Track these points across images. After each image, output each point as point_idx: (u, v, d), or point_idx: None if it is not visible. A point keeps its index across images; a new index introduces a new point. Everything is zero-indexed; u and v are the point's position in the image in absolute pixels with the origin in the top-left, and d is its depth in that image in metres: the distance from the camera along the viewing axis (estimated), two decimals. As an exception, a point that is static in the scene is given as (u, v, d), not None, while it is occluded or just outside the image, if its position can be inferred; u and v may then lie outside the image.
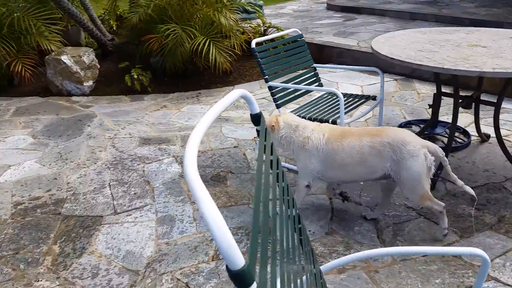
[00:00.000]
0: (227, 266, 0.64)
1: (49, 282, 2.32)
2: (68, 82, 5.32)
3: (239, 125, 4.22)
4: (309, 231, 2.61)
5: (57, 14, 5.93)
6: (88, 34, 6.27)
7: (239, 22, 6.04)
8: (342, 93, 3.17)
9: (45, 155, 3.76)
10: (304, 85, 3.58)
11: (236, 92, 1.00)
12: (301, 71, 3.68)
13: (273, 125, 2.56)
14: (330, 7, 9.67)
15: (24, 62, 5.27)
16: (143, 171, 3.41)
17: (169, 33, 5.11)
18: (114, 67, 5.98)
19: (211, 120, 0.87)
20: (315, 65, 3.75)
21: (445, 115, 4.02)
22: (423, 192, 2.37)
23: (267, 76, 3.34)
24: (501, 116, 3.34)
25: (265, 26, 6.48)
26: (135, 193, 3.11)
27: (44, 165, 3.57)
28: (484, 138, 3.60)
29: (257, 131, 1.09)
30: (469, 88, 3.51)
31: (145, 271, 2.36)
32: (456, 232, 2.55)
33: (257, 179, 0.87)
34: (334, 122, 2.99)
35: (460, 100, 3.15)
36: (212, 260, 2.42)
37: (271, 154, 1.11)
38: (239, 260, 0.64)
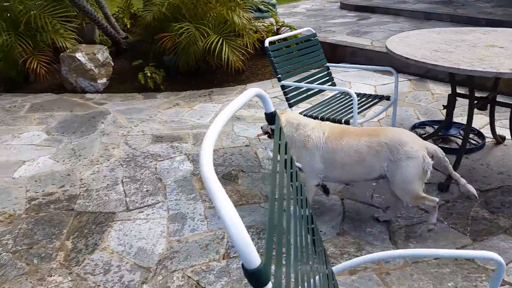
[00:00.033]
0: (242, 265, 0.63)
1: (61, 277, 2.34)
2: (82, 79, 5.37)
3: (251, 124, 4.21)
4: (321, 231, 2.60)
5: (72, 12, 6.00)
6: (102, 32, 6.33)
7: (252, 21, 6.04)
8: (355, 92, 3.14)
9: (59, 151, 3.80)
10: (317, 84, 3.56)
11: (251, 91, 1.00)
12: (314, 70, 3.66)
13: None
14: (343, 6, 9.61)
15: (39, 59, 5.34)
16: (155, 168, 3.43)
17: (183, 32, 5.13)
18: (127, 65, 6.03)
19: (227, 118, 0.87)
20: (328, 64, 3.74)
21: (459, 116, 3.96)
22: (414, 194, 2.36)
23: (280, 75, 3.34)
24: (517, 118, 3.29)
25: (278, 25, 6.46)
26: (147, 190, 3.13)
27: (58, 161, 3.61)
28: (499, 140, 3.55)
29: (272, 130, 1.09)
30: (484, 89, 3.46)
31: (156, 268, 2.37)
32: (469, 235, 2.52)
33: (272, 178, 0.87)
34: (347, 122, 2.97)
35: (476, 101, 3.10)
36: (223, 258, 2.42)
37: (285, 153, 1.11)
38: (255, 259, 0.63)
